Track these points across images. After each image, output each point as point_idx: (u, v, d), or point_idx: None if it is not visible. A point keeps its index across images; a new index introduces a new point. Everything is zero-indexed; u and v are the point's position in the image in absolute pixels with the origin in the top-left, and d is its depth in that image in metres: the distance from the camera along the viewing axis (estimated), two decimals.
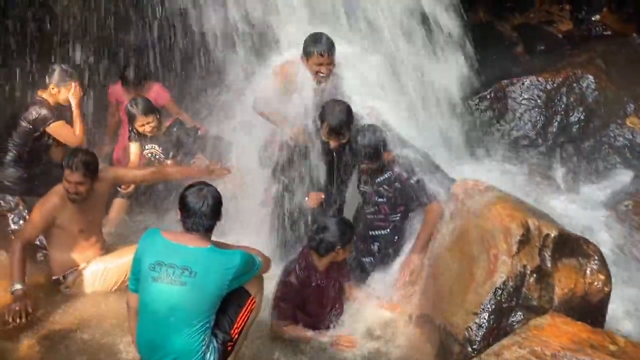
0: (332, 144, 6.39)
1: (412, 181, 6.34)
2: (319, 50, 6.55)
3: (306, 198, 6.58)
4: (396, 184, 6.37)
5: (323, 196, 6.57)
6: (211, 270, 5.13)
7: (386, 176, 6.41)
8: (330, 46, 6.58)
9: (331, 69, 6.65)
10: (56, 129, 7.47)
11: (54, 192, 6.45)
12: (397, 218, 6.48)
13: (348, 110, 6.37)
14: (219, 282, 5.13)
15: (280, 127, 6.82)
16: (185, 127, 7.96)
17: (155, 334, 5.17)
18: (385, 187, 6.41)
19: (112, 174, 6.87)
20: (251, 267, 5.32)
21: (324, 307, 6.05)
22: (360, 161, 6.35)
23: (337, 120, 6.29)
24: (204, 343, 5.14)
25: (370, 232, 6.54)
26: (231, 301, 5.30)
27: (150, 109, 7.68)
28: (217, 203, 5.26)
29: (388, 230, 6.50)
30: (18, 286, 6.10)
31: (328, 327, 6.06)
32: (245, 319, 5.37)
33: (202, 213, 5.18)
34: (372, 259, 6.56)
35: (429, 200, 6.28)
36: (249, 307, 5.38)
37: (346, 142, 6.45)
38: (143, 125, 7.70)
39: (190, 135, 7.85)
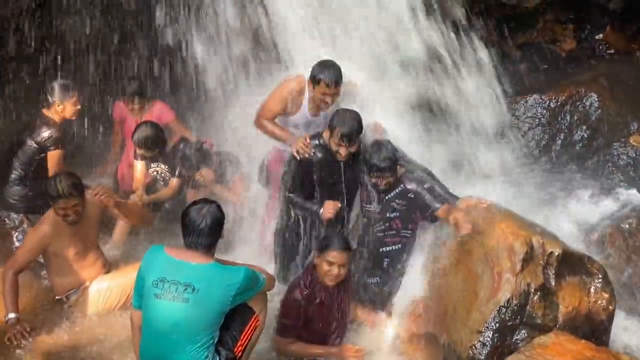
0: (342, 152, 6.35)
1: (425, 187, 6.33)
2: (328, 80, 6.53)
3: (321, 210, 6.50)
4: (409, 195, 6.34)
5: (339, 205, 6.50)
6: (214, 286, 5.12)
7: (398, 190, 6.39)
8: (339, 77, 6.56)
9: (336, 99, 6.65)
10: (53, 156, 7.44)
11: (46, 220, 6.42)
12: (409, 234, 6.46)
13: (359, 118, 6.35)
14: (222, 299, 5.13)
15: (282, 141, 6.82)
16: (191, 141, 7.99)
17: (159, 350, 5.18)
18: (397, 201, 6.39)
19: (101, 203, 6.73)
20: (255, 283, 5.32)
21: (328, 325, 6.01)
22: (376, 175, 6.31)
23: (349, 126, 6.27)
24: None
25: (381, 249, 6.51)
26: (235, 318, 5.30)
27: (145, 143, 7.70)
28: (215, 222, 5.25)
29: (399, 245, 6.48)
30: (11, 315, 6.07)
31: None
32: (249, 336, 5.37)
33: (200, 231, 5.19)
34: (378, 279, 6.54)
35: (442, 203, 6.25)
36: (252, 325, 5.38)
37: (354, 153, 6.46)
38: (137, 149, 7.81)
39: (196, 148, 7.87)
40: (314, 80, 6.57)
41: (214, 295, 5.12)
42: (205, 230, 5.20)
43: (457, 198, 6.36)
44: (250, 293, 5.31)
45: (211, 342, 5.18)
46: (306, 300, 5.88)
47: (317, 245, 5.96)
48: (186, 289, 5.10)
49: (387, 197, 6.42)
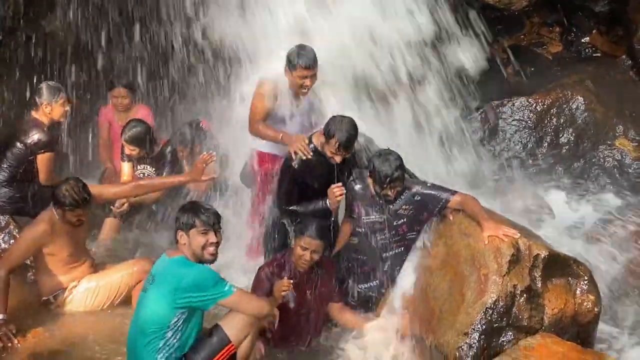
0: (338, 159, 6.37)
1: (428, 186, 6.31)
2: (304, 62, 6.59)
3: (328, 201, 6.39)
4: (416, 198, 6.27)
5: (340, 186, 6.35)
6: (164, 275, 5.13)
7: (404, 197, 6.30)
8: (315, 59, 6.64)
9: (314, 82, 6.69)
10: (43, 159, 7.42)
11: (43, 219, 6.39)
12: (414, 236, 6.40)
13: (354, 124, 6.35)
14: (167, 289, 5.07)
15: (279, 142, 6.77)
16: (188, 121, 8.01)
17: (129, 340, 5.28)
18: (404, 207, 6.31)
19: (93, 193, 6.61)
20: (209, 286, 5.12)
21: (298, 308, 6.06)
22: (390, 186, 6.17)
23: (347, 135, 6.26)
24: None
25: (384, 254, 6.45)
26: (207, 342, 5.23)
27: (136, 140, 7.72)
28: (176, 222, 5.34)
29: (402, 249, 6.43)
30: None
31: (305, 340, 6.19)
32: None
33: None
34: (377, 282, 6.49)
35: (451, 195, 6.18)
36: (225, 354, 5.24)
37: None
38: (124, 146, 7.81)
39: (192, 126, 7.87)
40: (291, 65, 6.63)
41: (163, 284, 5.09)
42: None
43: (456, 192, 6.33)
44: (202, 295, 5.11)
45: (160, 341, 5.09)
46: (273, 274, 6.04)
47: (295, 230, 6.13)
48: (148, 279, 5.21)
49: (392, 206, 6.34)
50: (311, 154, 6.46)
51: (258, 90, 6.85)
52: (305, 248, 5.98)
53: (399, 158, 6.23)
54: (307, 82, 6.67)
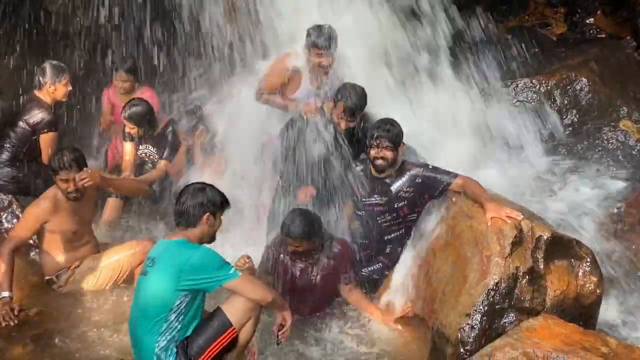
0: (343, 125, 6.47)
1: (429, 168, 6.33)
2: (321, 42, 6.65)
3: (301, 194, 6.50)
4: (417, 180, 6.29)
5: (314, 192, 6.47)
6: (167, 258, 5.07)
7: (404, 179, 6.34)
8: (332, 38, 6.67)
9: (332, 61, 6.70)
10: (46, 139, 7.44)
11: (46, 196, 6.41)
12: (414, 218, 6.42)
13: (364, 93, 6.52)
14: (170, 271, 5.00)
15: (288, 108, 6.87)
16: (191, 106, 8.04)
17: (130, 324, 5.25)
18: (405, 189, 6.34)
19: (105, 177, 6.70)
20: (214, 268, 5.05)
21: (300, 282, 6.18)
22: (376, 143, 6.21)
23: (354, 100, 6.42)
24: (157, 345, 5.07)
25: (386, 237, 6.49)
26: (210, 325, 5.19)
27: (135, 118, 7.67)
28: (192, 204, 5.20)
29: (402, 231, 6.46)
30: (5, 294, 6.06)
31: (305, 311, 6.26)
32: (218, 349, 5.18)
33: (177, 211, 5.25)
34: (380, 264, 6.53)
35: (452, 178, 6.20)
36: (226, 337, 5.19)
37: (353, 128, 6.55)
38: (125, 125, 7.78)
39: (193, 110, 7.86)
40: (310, 44, 6.71)
41: (166, 266, 5.03)
42: (181, 210, 5.22)
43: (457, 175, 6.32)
44: (207, 277, 5.04)
45: (164, 324, 5.05)
46: (275, 249, 6.25)
47: (281, 226, 6.12)
48: (148, 262, 5.14)
49: (392, 188, 6.36)
50: (318, 116, 6.56)
51: (275, 63, 6.90)
52: (290, 244, 6.08)
53: (398, 126, 6.31)
54: (323, 61, 6.69)
